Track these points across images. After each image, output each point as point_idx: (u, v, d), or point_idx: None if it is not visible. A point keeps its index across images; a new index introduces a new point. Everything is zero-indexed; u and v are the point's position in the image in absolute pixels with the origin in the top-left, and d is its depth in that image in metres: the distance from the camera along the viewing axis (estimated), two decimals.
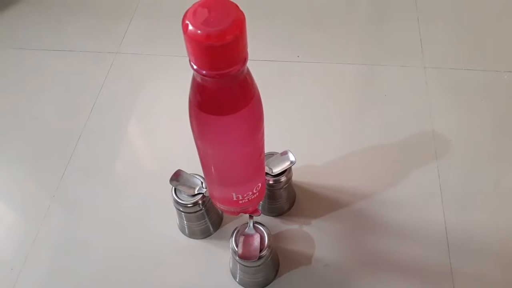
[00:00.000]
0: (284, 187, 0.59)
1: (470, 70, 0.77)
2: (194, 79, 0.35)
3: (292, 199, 0.64)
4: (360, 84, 0.79)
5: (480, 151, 0.68)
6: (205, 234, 0.62)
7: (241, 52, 0.32)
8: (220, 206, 0.50)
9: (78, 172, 0.70)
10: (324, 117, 0.74)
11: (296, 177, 0.62)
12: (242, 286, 0.57)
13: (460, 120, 0.71)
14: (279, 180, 0.57)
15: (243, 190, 0.46)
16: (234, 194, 0.47)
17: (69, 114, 0.77)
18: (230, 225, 0.63)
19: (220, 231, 0.62)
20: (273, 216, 0.63)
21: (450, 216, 0.60)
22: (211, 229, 0.62)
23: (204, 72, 0.33)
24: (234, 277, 0.58)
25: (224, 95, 0.35)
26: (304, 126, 0.73)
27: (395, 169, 0.66)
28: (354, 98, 0.76)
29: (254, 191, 0.48)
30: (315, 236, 0.60)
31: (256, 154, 0.42)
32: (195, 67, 0.33)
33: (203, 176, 0.49)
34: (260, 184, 0.48)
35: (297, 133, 0.72)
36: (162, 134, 0.74)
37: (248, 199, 0.48)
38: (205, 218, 0.59)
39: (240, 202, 0.48)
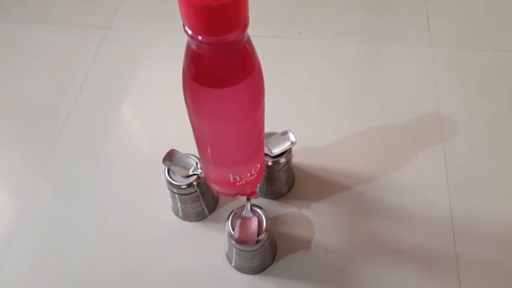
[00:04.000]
0: (284, 169, 0.56)
1: (479, 50, 0.74)
2: (188, 47, 0.32)
3: (291, 182, 0.61)
4: (363, 63, 0.75)
5: (487, 134, 0.65)
6: (199, 217, 0.59)
7: (241, 16, 0.29)
8: (216, 188, 0.48)
9: (67, 151, 0.66)
10: (326, 96, 0.71)
11: (295, 159, 0.59)
12: (238, 270, 0.55)
13: (468, 101, 0.68)
14: (278, 161, 0.54)
15: (241, 171, 0.44)
16: (231, 175, 0.44)
17: (57, 90, 0.73)
18: (226, 208, 0.60)
19: (216, 214, 0.60)
20: (271, 199, 0.60)
21: (456, 200, 0.58)
22: (206, 211, 0.59)
23: (199, 38, 0.29)
24: (230, 261, 0.55)
25: (221, 65, 0.32)
26: (304, 106, 0.70)
27: (399, 151, 0.64)
28: (357, 77, 0.73)
29: (253, 172, 0.45)
30: (314, 220, 0.58)
31: (255, 132, 0.39)
32: (189, 32, 0.29)
33: (198, 156, 0.46)
34: (259, 165, 0.45)
35: (297, 113, 0.69)
36: (155, 113, 0.71)
37: (246, 180, 0.45)
38: (200, 200, 0.56)
39: (238, 183, 0.45)
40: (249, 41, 0.32)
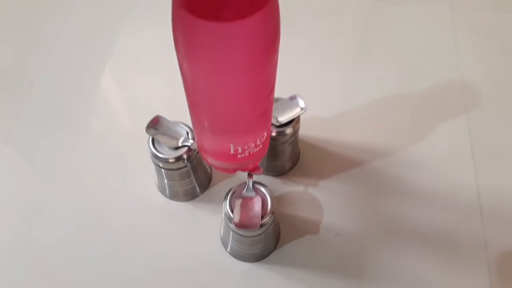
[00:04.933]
0: (289, 141, 0.48)
1: (504, 12, 0.66)
2: None
3: (296, 157, 0.53)
4: (377, 24, 0.66)
5: None
6: (189, 196, 0.51)
7: None
8: (211, 161, 0.39)
9: (34, 120, 0.57)
10: (335, 60, 0.62)
11: (300, 131, 0.51)
12: (235, 257, 0.47)
13: (493, 68, 0.61)
14: (284, 132, 0.46)
15: (243, 141, 0.35)
16: (232, 146, 0.35)
17: (22, 50, 0.63)
18: (221, 186, 0.52)
19: (208, 193, 0.52)
20: (273, 176, 0.52)
21: (483, 178, 0.51)
22: (198, 190, 0.51)
23: None
24: (225, 247, 0.48)
25: None
26: (311, 70, 0.61)
27: (418, 123, 0.56)
28: (370, 40, 0.64)
29: (258, 143, 0.37)
30: (323, 200, 0.51)
31: (265, 90, 0.31)
32: None
33: (191, 122, 0.38)
34: (265, 134, 0.37)
35: (303, 78, 0.60)
36: (137, 75, 0.61)
37: (249, 152, 0.37)
38: (190, 177, 0.48)
39: (239, 156, 0.37)
40: None
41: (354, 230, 0.49)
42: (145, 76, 0.61)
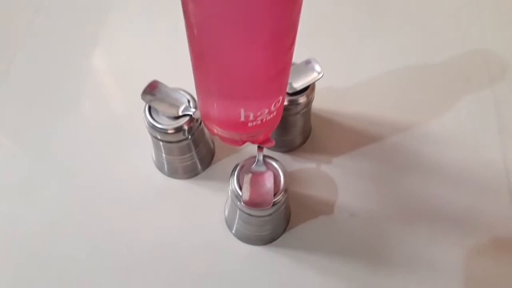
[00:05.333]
0: (302, 112, 0.43)
1: None
2: None
3: (307, 130, 0.49)
4: None
5: None
6: (190, 173, 0.46)
7: None
8: (217, 131, 0.34)
9: (19, 92, 0.51)
10: (351, 26, 0.57)
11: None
12: (241, 240, 0.43)
13: None
14: (296, 101, 0.41)
15: (257, 106, 0.30)
16: (242, 112, 0.31)
17: (5, 16, 0.57)
18: (224, 162, 0.47)
19: (210, 170, 0.47)
20: (282, 152, 0.48)
21: (511, 153, 0.47)
22: (199, 166, 0.46)
23: None
24: (230, 228, 0.43)
25: None
26: (323, 36, 0.56)
27: (440, 96, 0.52)
28: (390, 6, 0.59)
29: (272, 109, 0.32)
30: (337, 178, 0.46)
31: (287, 39, 0.26)
32: None
33: (194, 86, 0.33)
34: (280, 99, 0.32)
35: (314, 44, 0.54)
36: (130, 40, 0.56)
37: (261, 120, 0.32)
38: (191, 152, 0.43)
39: (250, 124, 0.32)
40: None
41: (371, 211, 0.45)
42: (141, 43, 0.56)
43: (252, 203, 0.34)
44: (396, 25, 0.57)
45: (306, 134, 0.49)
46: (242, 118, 0.31)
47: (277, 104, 0.32)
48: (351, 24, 0.58)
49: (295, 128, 0.46)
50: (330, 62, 0.52)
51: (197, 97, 0.34)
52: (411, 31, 0.57)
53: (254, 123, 0.32)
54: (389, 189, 0.46)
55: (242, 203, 0.34)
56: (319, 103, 0.49)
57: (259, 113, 0.31)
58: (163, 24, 0.57)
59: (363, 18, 0.58)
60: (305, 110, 0.43)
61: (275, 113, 0.33)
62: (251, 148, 0.48)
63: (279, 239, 0.43)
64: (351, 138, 0.49)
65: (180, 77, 0.39)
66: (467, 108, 0.50)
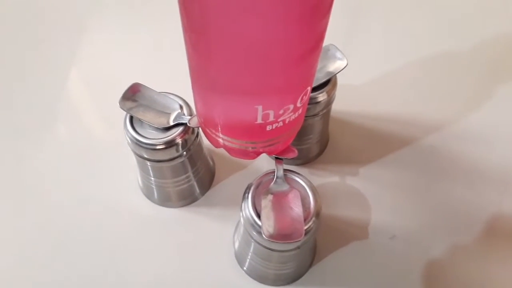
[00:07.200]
0: (321, 113, 0.35)
1: None
2: None
3: (325, 138, 0.40)
4: None
5: None
6: (186, 200, 0.37)
7: None
8: (223, 141, 0.26)
9: None
10: (370, 11, 0.50)
11: None
12: (255, 279, 0.34)
13: None
14: (315, 99, 0.33)
15: (279, 100, 0.22)
16: (259, 110, 0.22)
17: None
18: (227, 183, 0.38)
19: (211, 194, 0.38)
20: (296, 165, 0.39)
21: None
22: (197, 190, 0.37)
23: None
24: (241, 264, 0.34)
25: None
26: (338, 21, 0.48)
27: (477, 87, 0.44)
28: None
29: (298, 104, 0.23)
30: (367, 193, 0.38)
31: (324, 3, 0.18)
32: None
33: (191, 84, 0.24)
34: (308, 89, 0.24)
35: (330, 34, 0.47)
36: (103, 46, 0.47)
37: (283, 121, 0.24)
38: (187, 172, 0.34)
39: (269, 128, 0.24)
40: None
41: (414, 229, 0.36)
42: (112, 48, 0.47)
43: (278, 236, 0.25)
44: (421, 10, 0.50)
45: (324, 142, 0.40)
46: (259, 120, 0.23)
47: (304, 97, 0.24)
48: (369, 10, 0.50)
49: (312, 134, 0.37)
50: (345, 54, 0.44)
51: (195, 98, 0.26)
52: (437, 15, 0.50)
53: (274, 126, 0.24)
54: (431, 200, 0.37)
55: (264, 236, 0.25)
56: (334, 104, 0.41)
57: (281, 111, 0.23)
58: (140, 28, 0.49)
59: (383, 3, 0.51)
60: (324, 111, 0.35)
61: (300, 110, 0.24)
62: (259, 164, 0.39)
63: (304, 276, 0.34)
64: (378, 143, 0.40)
65: (166, 82, 0.31)
66: (507, 102, 0.43)
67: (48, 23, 0.49)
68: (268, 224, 0.25)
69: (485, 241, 0.36)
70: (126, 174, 0.38)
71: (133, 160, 0.34)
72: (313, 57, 0.21)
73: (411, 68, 0.45)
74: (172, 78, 0.36)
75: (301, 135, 0.37)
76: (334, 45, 0.33)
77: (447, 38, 0.48)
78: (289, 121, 0.24)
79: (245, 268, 0.34)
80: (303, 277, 0.34)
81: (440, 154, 0.40)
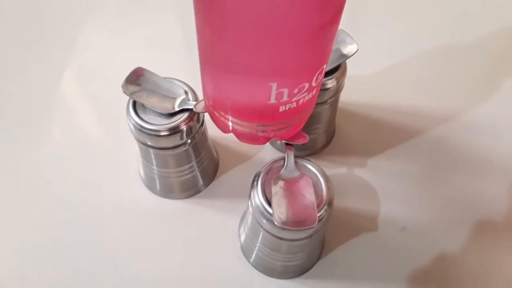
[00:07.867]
0: (330, 101, 0.34)
1: None
2: None
3: (332, 128, 0.39)
4: None
5: None
6: (189, 191, 0.36)
7: None
8: (233, 124, 0.25)
9: None
10: (381, 1, 0.49)
11: None
12: (261, 272, 0.33)
13: None
14: (325, 85, 0.32)
15: (295, 77, 0.21)
16: (273, 88, 0.21)
17: None
18: (231, 174, 0.37)
19: (215, 185, 0.37)
20: (301, 157, 0.38)
21: None
22: (200, 181, 0.36)
23: None
24: (248, 256, 0.33)
25: None
26: (350, 10, 0.47)
27: (488, 80, 0.44)
28: None
29: (313, 84, 0.22)
30: (376, 184, 0.37)
31: None
32: None
33: (199, 62, 0.23)
34: (324, 67, 0.23)
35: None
36: (103, 37, 0.46)
37: (297, 101, 0.23)
38: (191, 162, 0.33)
39: (282, 108, 0.23)
40: None
41: (424, 221, 0.35)
42: (114, 40, 0.46)
43: (291, 222, 0.24)
44: (430, 0, 0.50)
45: (331, 132, 0.39)
46: (273, 99, 0.22)
47: (319, 76, 0.22)
48: (378, 2, 0.50)
49: (320, 123, 0.36)
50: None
51: (204, 81, 0.25)
52: (446, 6, 0.49)
53: (287, 107, 0.23)
54: (441, 191, 0.37)
55: (276, 223, 0.24)
56: (342, 95, 0.40)
57: (296, 90, 0.22)
58: (139, 27, 0.48)
59: None
60: (333, 99, 0.34)
61: (314, 91, 0.23)
62: (263, 155, 0.38)
63: (313, 269, 0.33)
64: (385, 134, 0.40)
65: (170, 70, 0.30)
66: None
67: (46, 21, 0.48)
68: (279, 211, 0.24)
69: (496, 232, 0.35)
70: (127, 164, 0.37)
71: (134, 149, 0.32)
72: (332, 30, 0.20)
73: (419, 60, 0.45)
74: (174, 68, 0.35)
75: (308, 124, 0.35)
76: (344, 30, 0.32)
77: (456, 29, 0.47)
78: (302, 102, 0.23)
79: (251, 261, 0.33)
80: (311, 270, 0.33)
81: (449, 146, 0.39)
